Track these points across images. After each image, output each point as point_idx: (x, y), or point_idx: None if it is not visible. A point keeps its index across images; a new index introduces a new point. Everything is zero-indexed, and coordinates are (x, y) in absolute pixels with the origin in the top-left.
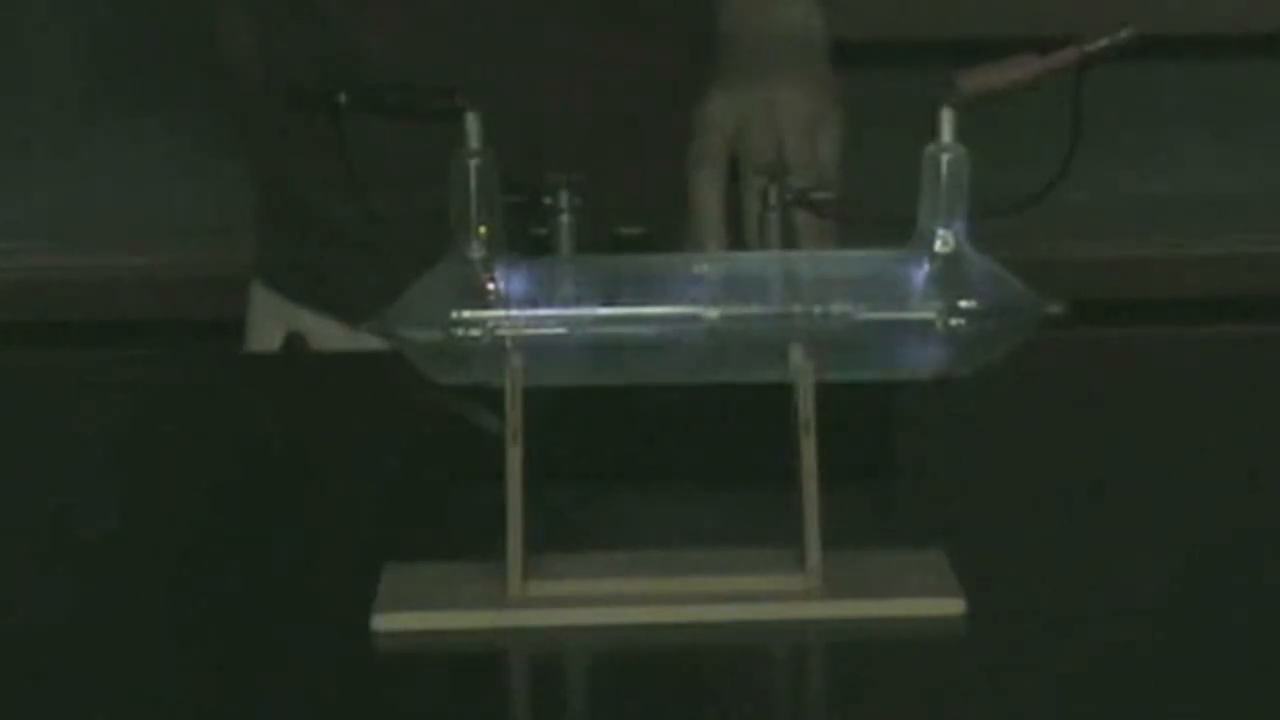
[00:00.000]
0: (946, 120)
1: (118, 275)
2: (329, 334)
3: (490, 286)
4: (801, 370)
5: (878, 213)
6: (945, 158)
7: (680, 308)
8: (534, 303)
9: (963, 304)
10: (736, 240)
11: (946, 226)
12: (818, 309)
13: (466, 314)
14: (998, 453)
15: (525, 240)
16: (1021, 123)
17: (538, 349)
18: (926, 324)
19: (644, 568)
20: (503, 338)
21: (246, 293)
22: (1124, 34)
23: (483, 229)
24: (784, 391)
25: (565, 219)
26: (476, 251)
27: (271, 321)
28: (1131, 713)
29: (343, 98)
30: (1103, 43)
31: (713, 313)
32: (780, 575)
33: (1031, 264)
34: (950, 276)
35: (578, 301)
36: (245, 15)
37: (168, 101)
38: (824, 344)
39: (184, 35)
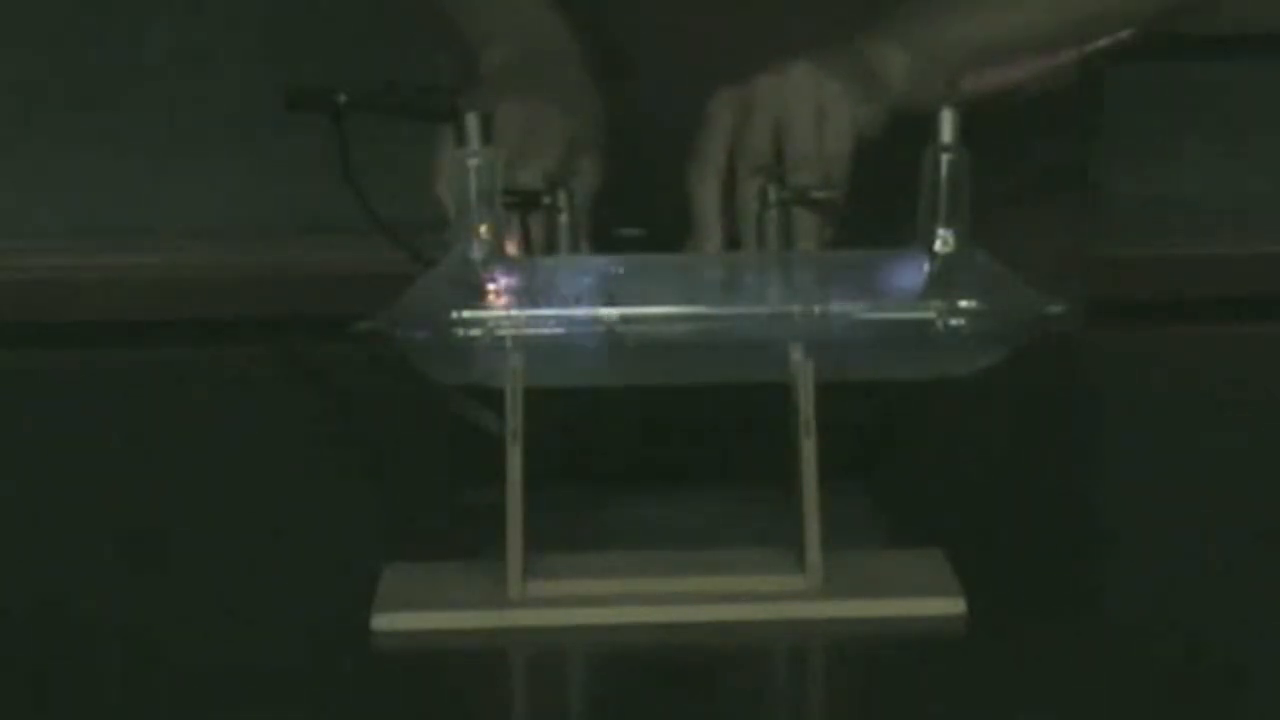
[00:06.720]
0: (946, 120)
1: (117, 275)
2: None
3: (490, 286)
4: (801, 370)
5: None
6: (945, 158)
7: (680, 308)
8: (534, 303)
9: (963, 304)
10: (733, 239)
11: (946, 226)
12: (818, 309)
13: (466, 314)
14: (997, 453)
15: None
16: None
17: (538, 349)
18: (926, 324)
19: (644, 568)
20: (503, 338)
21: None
22: (1124, 34)
23: (483, 229)
24: (784, 391)
25: (564, 219)
26: (476, 251)
27: None
28: (1131, 713)
29: (343, 98)
30: (1103, 43)
31: (712, 313)
32: (780, 575)
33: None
34: (950, 276)
35: (578, 301)
36: None
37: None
38: (824, 344)
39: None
